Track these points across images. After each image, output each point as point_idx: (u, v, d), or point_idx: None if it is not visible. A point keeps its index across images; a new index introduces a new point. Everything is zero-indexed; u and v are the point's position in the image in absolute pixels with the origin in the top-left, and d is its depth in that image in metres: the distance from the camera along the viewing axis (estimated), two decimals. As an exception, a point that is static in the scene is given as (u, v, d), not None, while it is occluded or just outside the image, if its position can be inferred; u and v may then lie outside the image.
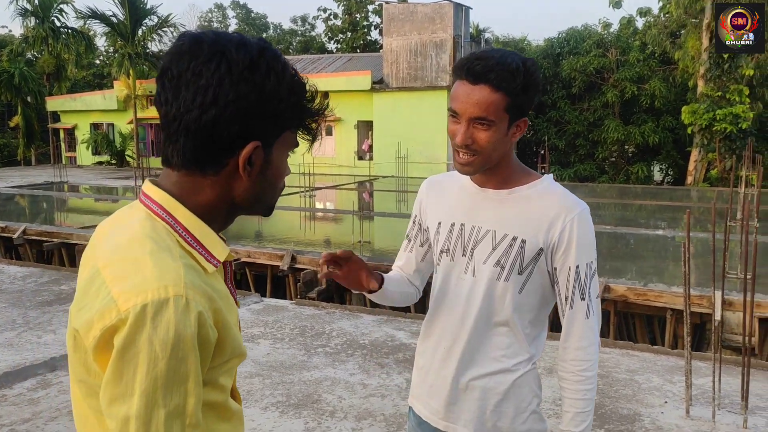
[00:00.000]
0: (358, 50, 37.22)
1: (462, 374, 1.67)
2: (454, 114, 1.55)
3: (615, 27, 25.58)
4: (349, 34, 39.13)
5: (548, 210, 1.59)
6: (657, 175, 24.84)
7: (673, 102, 21.73)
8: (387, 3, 22.80)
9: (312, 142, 1.08)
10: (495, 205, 1.64)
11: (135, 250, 0.93)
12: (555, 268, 1.61)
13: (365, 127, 24.23)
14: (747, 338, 3.99)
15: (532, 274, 1.61)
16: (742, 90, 17.87)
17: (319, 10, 40.21)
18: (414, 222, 1.85)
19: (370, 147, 24.01)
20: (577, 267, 1.58)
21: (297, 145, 1.06)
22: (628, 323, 7.39)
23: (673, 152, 22.75)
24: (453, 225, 1.70)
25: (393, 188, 19.29)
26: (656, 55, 22.67)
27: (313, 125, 1.06)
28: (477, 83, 1.50)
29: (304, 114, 1.03)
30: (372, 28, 39.14)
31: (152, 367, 0.85)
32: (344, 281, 1.63)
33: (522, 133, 1.61)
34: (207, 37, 0.97)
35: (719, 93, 18.61)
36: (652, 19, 24.15)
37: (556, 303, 1.68)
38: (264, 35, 47.56)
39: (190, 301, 0.88)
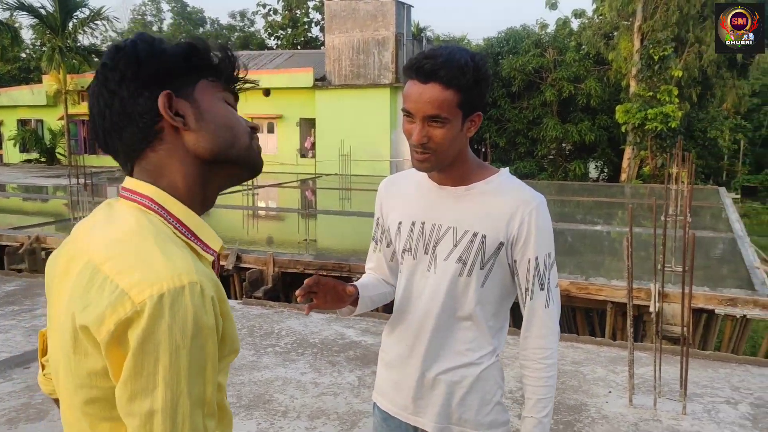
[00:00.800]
0: (299, 47, 36.92)
1: (428, 369, 1.68)
2: (408, 114, 1.55)
3: (552, 27, 26.25)
4: (289, 30, 38.78)
5: (506, 204, 1.61)
6: (593, 172, 25.62)
7: (607, 101, 22.46)
8: (328, 0, 22.69)
9: (234, 95, 1.11)
10: (454, 202, 1.66)
11: (137, 243, 0.93)
12: (515, 261, 1.63)
13: (308, 125, 24.06)
14: (685, 329, 4.16)
15: (493, 267, 1.63)
16: (672, 90, 18.64)
17: (258, 5, 39.84)
18: (377, 224, 1.86)
19: (313, 145, 23.87)
20: (537, 258, 1.61)
21: (229, 93, 1.09)
22: (569, 317, 7.59)
23: (608, 150, 23.50)
24: (413, 224, 1.71)
25: (336, 186, 19.25)
26: (591, 55, 23.37)
27: (233, 75, 1.09)
28: (428, 82, 1.50)
29: (201, 63, 1.05)
30: (313, 24, 38.92)
31: (174, 358, 0.84)
32: (325, 306, 1.63)
33: (476, 128, 1.62)
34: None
35: (650, 93, 19.36)
36: (587, 21, 24.88)
37: (516, 295, 1.71)
38: (200, 30, 46.64)
39: (205, 288, 0.89)
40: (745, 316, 6.27)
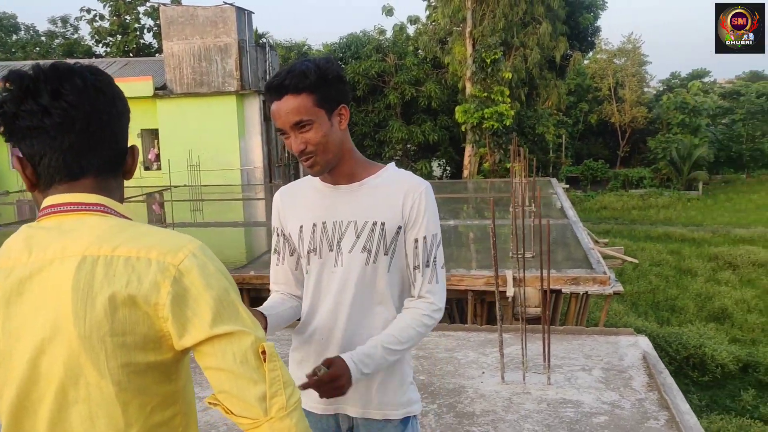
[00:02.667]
0: (132, 54, 35.03)
1: None
2: (281, 131, 1.69)
3: (390, 33, 27.18)
4: (119, 37, 36.61)
5: (398, 191, 1.75)
6: (437, 171, 26.89)
7: (446, 103, 23.70)
8: (163, 6, 21.83)
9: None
10: (350, 199, 1.77)
11: (133, 229, 1.05)
12: (405, 242, 1.77)
13: (150, 136, 22.97)
14: (543, 309, 4.61)
15: (395, 252, 1.76)
16: (504, 91, 20.12)
17: (82, 10, 37.03)
18: (278, 235, 1.91)
19: (157, 156, 22.83)
20: (425, 237, 1.76)
21: None
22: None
23: (450, 149, 24.81)
24: (315, 225, 1.79)
25: (187, 198, 18.57)
26: (429, 60, 24.54)
27: None
28: (281, 96, 1.65)
29: None
30: (145, 30, 37.07)
31: (232, 288, 1.07)
32: None
33: (347, 120, 1.75)
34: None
35: (485, 94, 20.75)
36: (422, 27, 26.08)
37: None
38: (14, 37, 42.70)
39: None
40: (587, 292, 7.00)
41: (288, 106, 1.64)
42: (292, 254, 1.89)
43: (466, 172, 22.73)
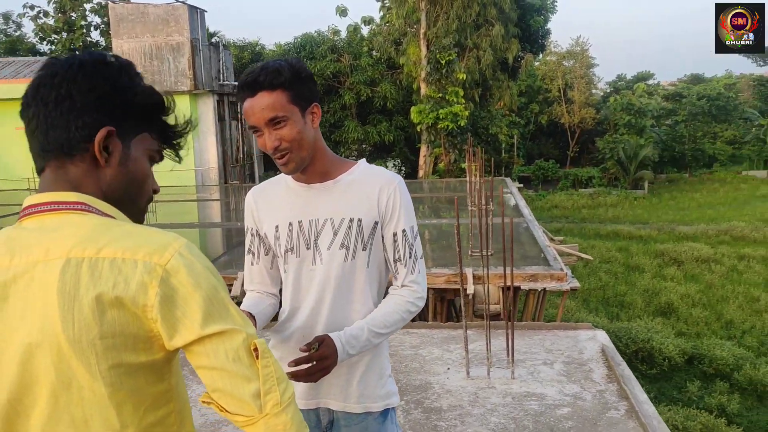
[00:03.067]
0: (78, 52, 34.05)
1: None
2: (254, 128, 1.70)
3: (345, 34, 27.16)
4: (64, 34, 35.55)
5: (373, 187, 1.79)
6: (392, 171, 27.02)
7: (402, 103, 23.84)
8: (113, 3, 21.32)
9: (176, 153, 1.20)
10: (325, 197, 1.80)
11: (117, 229, 1.03)
12: (383, 236, 1.81)
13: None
14: (510, 305, 4.73)
15: (373, 247, 1.79)
16: (458, 92, 20.36)
17: (25, 7, 35.81)
18: (252, 235, 1.92)
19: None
20: (404, 231, 1.81)
21: (159, 153, 1.17)
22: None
23: (405, 149, 24.97)
24: (291, 224, 1.81)
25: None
26: (384, 60, 24.64)
27: (175, 140, 1.17)
28: (255, 93, 1.67)
29: (157, 120, 1.13)
30: (92, 28, 36.09)
31: (221, 285, 1.05)
32: None
33: (319, 118, 1.78)
34: (65, 56, 1.11)
35: (440, 94, 20.96)
36: (376, 28, 26.17)
37: None
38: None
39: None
40: (545, 289, 7.18)
41: (262, 103, 1.65)
42: (267, 253, 1.91)
43: (421, 172, 22.92)
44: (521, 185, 21.65)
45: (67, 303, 0.96)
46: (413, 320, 7.77)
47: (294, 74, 1.67)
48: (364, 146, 24.84)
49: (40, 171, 1.10)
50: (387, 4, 25.57)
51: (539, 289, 7.23)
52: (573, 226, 22.45)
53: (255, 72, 1.67)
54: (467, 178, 17.02)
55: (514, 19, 23.14)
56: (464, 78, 20.69)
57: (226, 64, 22.04)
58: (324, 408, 1.85)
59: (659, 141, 35.80)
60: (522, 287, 7.19)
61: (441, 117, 20.34)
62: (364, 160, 1.91)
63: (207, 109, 20.96)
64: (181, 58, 20.47)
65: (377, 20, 26.13)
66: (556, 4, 28.20)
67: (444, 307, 7.58)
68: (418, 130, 21.79)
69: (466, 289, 7.09)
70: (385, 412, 1.87)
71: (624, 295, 14.82)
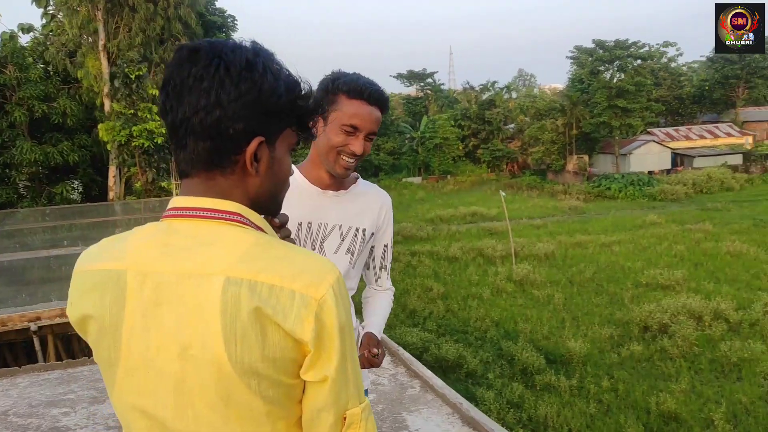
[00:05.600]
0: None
1: None
2: (353, 129, 1.83)
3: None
4: None
5: (376, 201, 2.06)
6: (75, 195, 24.53)
7: (84, 120, 21.85)
8: None
9: (308, 139, 1.18)
10: (336, 204, 1.98)
11: (272, 252, 1.00)
12: (374, 245, 2.10)
13: None
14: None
15: (364, 253, 2.06)
16: (152, 108, 19.53)
17: None
18: None
19: None
20: (389, 243, 2.13)
21: (298, 143, 1.14)
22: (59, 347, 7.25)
23: (90, 170, 22.91)
24: (300, 224, 1.95)
25: None
26: (59, 73, 22.31)
27: (309, 123, 1.13)
28: (375, 105, 1.86)
29: (300, 111, 1.09)
30: None
31: (351, 333, 1.04)
32: None
33: None
34: (203, 45, 1.03)
35: (132, 111, 19.83)
36: (41, 36, 23.57)
37: None
38: None
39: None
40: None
41: (376, 116, 1.84)
42: None
43: (111, 194, 21.35)
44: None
45: (230, 324, 0.96)
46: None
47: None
48: (40, 168, 22.03)
49: (184, 175, 1.06)
50: (52, 11, 23.24)
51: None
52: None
53: (379, 88, 1.85)
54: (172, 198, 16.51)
55: (200, 35, 23.07)
56: (157, 93, 19.86)
57: None
58: None
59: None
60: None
61: (135, 135, 19.28)
62: (358, 174, 2.07)
63: None
64: None
65: (39, 28, 23.57)
66: (236, 22, 28.90)
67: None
68: (110, 148, 20.29)
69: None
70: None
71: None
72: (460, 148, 51.91)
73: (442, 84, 63.08)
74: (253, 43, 1.06)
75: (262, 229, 1.06)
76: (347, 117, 1.83)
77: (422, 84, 60.75)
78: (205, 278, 0.97)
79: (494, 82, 57.18)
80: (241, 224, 1.03)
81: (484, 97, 55.36)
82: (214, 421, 0.99)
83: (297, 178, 1.96)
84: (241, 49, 1.02)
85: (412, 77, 60.07)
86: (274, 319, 0.95)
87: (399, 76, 60.28)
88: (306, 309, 0.96)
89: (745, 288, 18.00)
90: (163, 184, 19.17)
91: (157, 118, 19.58)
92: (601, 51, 45.68)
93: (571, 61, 48.63)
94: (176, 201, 1.05)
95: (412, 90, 62.96)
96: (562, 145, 45.11)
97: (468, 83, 62.49)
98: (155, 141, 19.21)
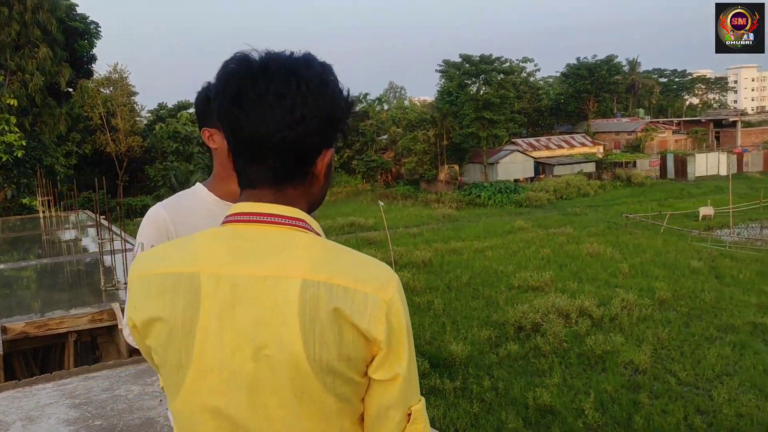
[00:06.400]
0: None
1: None
2: None
3: None
4: None
5: None
6: None
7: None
8: None
9: (345, 138, 1.33)
10: None
11: (342, 257, 1.06)
12: None
13: None
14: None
15: None
16: (10, 119, 18.10)
17: None
18: None
19: None
20: None
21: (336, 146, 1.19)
22: (29, 358, 7.09)
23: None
24: None
25: None
26: None
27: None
28: None
29: (348, 119, 1.14)
30: None
31: (411, 332, 1.12)
32: None
33: None
34: (269, 58, 1.05)
35: (-14, 122, 18.27)
36: None
37: None
38: None
39: None
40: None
41: None
42: None
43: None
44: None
45: (309, 324, 1.00)
46: (42, 372, 7.06)
47: None
48: None
49: (248, 186, 1.09)
50: None
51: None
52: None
53: None
54: (39, 214, 15.48)
55: (61, 41, 21.72)
56: (15, 104, 18.48)
57: None
58: None
59: (205, 167, 38.05)
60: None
61: (-10, 148, 17.77)
62: None
63: None
64: None
65: None
66: (99, 29, 27.45)
67: (95, 346, 7.10)
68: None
69: (118, 325, 6.82)
70: None
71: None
72: (335, 159, 52.13)
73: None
74: (311, 55, 1.09)
75: (320, 235, 1.11)
76: None
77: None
78: (282, 280, 1.01)
79: (366, 94, 58.12)
80: (305, 230, 1.08)
81: (357, 108, 55.91)
82: (286, 418, 1.03)
83: (204, 196, 1.88)
84: (312, 64, 1.06)
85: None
86: (351, 319, 1.00)
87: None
88: (378, 310, 1.02)
89: (604, 286, 19.53)
90: (25, 201, 17.77)
91: (16, 129, 18.19)
92: (467, 65, 47.82)
93: (440, 74, 50.56)
94: (241, 206, 1.08)
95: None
96: (433, 155, 46.71)
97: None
98: (15, 154, 17.81)
